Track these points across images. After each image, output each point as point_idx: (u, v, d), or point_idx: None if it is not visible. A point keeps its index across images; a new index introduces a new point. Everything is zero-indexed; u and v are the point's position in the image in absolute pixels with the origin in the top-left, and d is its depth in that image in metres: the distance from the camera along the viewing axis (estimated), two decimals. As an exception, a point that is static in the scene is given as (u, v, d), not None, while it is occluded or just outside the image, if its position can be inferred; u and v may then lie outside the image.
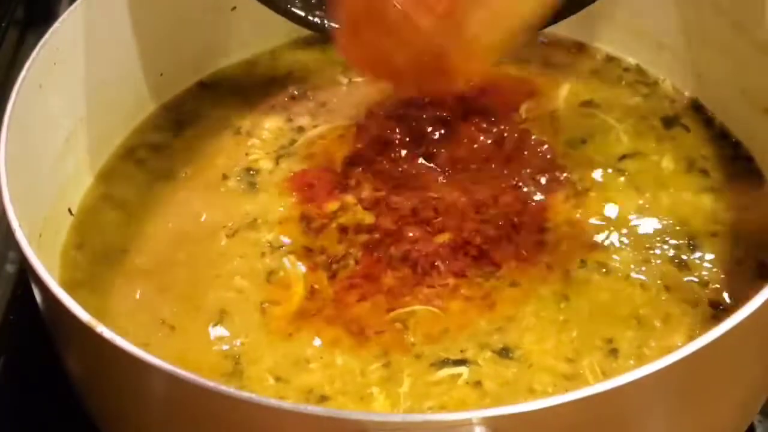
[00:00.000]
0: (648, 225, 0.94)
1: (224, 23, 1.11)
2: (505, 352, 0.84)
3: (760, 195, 0.97)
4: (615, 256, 0.91)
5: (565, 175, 0.98)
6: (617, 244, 0.92)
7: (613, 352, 0.84)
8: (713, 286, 0.89)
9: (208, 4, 1.09)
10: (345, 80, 1.11)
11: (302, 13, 1.04)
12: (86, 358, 0.78)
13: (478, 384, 0.82)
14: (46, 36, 0.91)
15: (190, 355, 0.85)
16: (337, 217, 0.94)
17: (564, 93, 1.07)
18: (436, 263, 0.89)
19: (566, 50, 1.13)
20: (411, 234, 0.91)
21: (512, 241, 0.92)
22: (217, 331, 0.87)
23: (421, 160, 0.99)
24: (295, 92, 1.10)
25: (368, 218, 0.93)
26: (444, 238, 0.91)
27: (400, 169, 0.98)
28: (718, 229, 0.94)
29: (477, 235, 0.91)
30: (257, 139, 1.04)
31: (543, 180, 0.97)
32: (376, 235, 0.92)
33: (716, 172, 0.99)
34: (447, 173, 0.97)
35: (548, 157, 1.00)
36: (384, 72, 0.97)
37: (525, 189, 0.96)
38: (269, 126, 1.06)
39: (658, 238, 0.93)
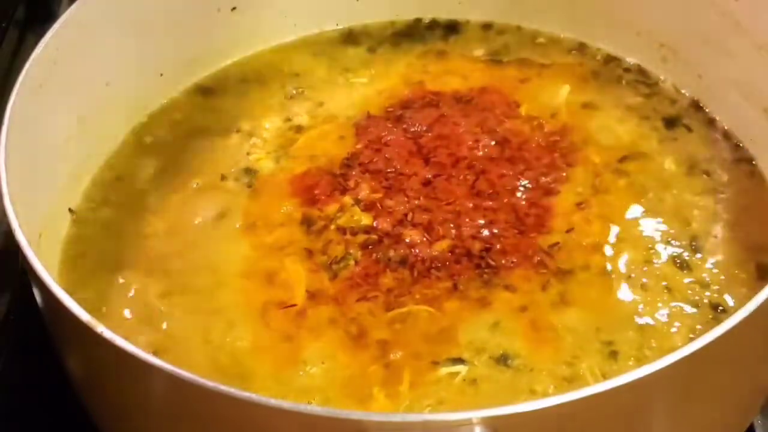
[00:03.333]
0: (649, 226, 0.94)
1: (224, 23, 1.11)
2: (503, 359, 0.84)
3: (761, 197, 0.97)
4: (616, 257, 0.91)
5: (565, 175, 0.98)
6: (618, 246, 0.92)
7: (613, 354, 0.84)
8: (714, 287, 0.89)
9: (208, 4, 1.09)
10: (342, 80, 1.11)
11: None
12: (86, 358, 0.78)
13: (474, 382, 0.82)
14: (46, 36, 0.91)
15: (190, 355, 0.85)
16: (337, 219, 0.94)
17: (564, 93, 1.07)
18: (433, 267, 0.89)
19: (566, 50, 1.14)
20: (408, 239, 0.91)
21: (512, 243, 0.91)
22: (218, 332, 0.87)
23: (420, 161, 0.99)
24: (294, 92, 1.10)
25: (366, 219, 0.93)
26: (443, 245, 0.91)
27: (399, 170, 0.98)
28: (719, 230, 0.94)
29: (476, 242, 0.91)
30: (257, 138, 1.04)
31: (543, 181, 0.97)
32: (374, 237, 0.92)
33: (718, 174, 0.99)
34: (447, 174, 0.97)
35: (549, 158, 1.00)
36: None
37: (525, 190, 0.96)
38: (269, 126, 1.06)
39: (660, 239, 0.93)
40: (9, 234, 0.76)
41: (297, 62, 1.14)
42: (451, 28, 1.17)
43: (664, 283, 0.89)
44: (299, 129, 1.05)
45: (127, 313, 0.89)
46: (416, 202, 0.94)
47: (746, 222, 0.95)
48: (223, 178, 1.01)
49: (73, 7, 0.94)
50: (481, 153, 0.99)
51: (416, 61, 1.14)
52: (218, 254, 0.93)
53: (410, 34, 1.17)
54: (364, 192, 0.96)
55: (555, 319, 0.86)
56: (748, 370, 0.77)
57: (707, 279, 0.90)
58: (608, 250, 0.92)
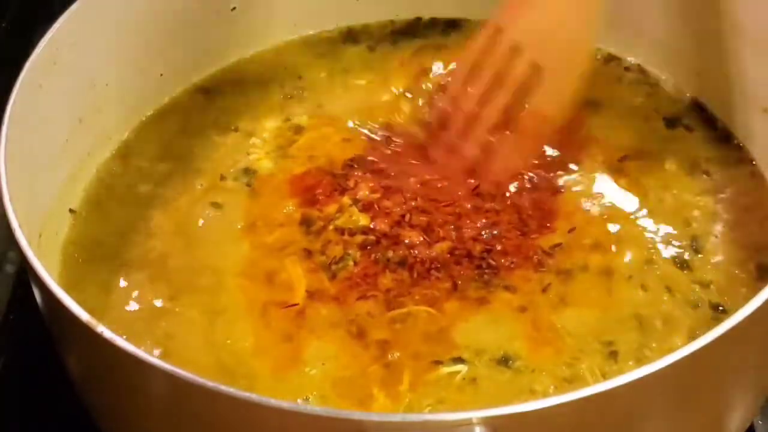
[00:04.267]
0: (650, 226, 0.94)
1: (224, 23, 1.11)
2: (504, 361, 0.84)
3: (762, 197, 0.97)
4: (616, 257, 0.91)
5: (564, 175, 0.98)
6: (618, 245, 0.92)
7: (613, 355, 0.84)
8: (714, 288, 0.89)
9: (208, 5, 1.09)
10: (342, 81, 1.11)
11: None
12: (86, 358, 0.78)
13: (474, 382, 0.82)
14: (46, 36, 0.91)
15: (190, 355, 0.85)
16: (336, 219, 0.94)
17: (564, 93, 1.07)
18: (433, 268, 0.89)
19: (566, 50, 1.13)
20: (407, 240, 0.91)
21: (513, 244, 0.91)
22: (217, 332, 0.87)
23: (420, 162, 0.99)
24: (294, 92, 1.10)
25: (364, 220, 0.93)
26: (443, 247, 0.91)
27: (399, 170, 0.98)
28: (719, 230, 0.94)
29: (476, 244, 0.91)
30: (257, 138, 1.04)
31: (544, 181, 0.97)
32: (372, 237, 0.91)
33: (718, 174, 0.99)
34: (447, 174, 0.97)
35: (549, 158, 1.00)
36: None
37: (526, 191, 0.96)
38: (269, 126, 1.06)
39: (660, 239, 0.93)
40: (9, 234, 0.76)
41: (297, 62, 1.14)
42: (451, 27, 1.17)
43: (663, 283, 0.89)
44: (299, 129, 1.05)
45: (127, 313, 0.89)
46: (413, 203, 0.94)
47: (746, 222, 0.95)
48: (223, 177, 1.00)
49: (73, 7, 0.94)
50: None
51: (415, 59, 1.14)
52: (219, 254, 0.93)
53: (410, 33, 1.17)
54: (363, 192, 0.95)
55: (555, 319, 0.86)
56: (748, 370, 0.77)
57: (707, 279, 0.90)
58: (608, 250, 0.92)
